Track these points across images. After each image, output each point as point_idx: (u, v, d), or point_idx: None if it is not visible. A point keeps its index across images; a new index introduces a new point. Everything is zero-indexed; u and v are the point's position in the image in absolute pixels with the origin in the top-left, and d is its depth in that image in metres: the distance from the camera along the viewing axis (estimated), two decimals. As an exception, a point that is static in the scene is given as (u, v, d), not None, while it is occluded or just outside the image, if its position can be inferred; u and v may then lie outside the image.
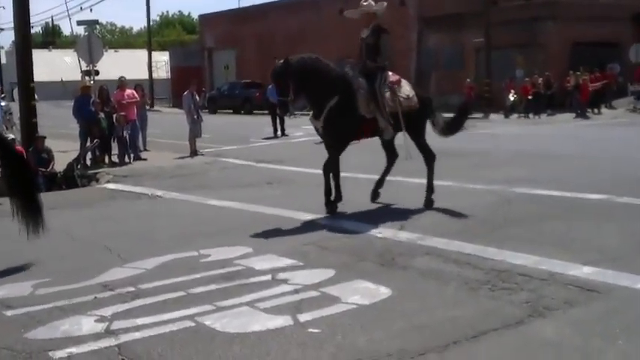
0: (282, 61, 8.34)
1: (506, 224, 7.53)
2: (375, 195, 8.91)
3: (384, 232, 7.30)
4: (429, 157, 8.86)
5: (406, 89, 8.54)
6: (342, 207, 8.49)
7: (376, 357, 4.15)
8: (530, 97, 28.07)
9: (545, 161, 12.92)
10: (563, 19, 31.24)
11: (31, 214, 6.38)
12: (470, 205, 8.50)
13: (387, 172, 9.08)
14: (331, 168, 8.44)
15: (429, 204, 8.56)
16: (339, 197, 8.49)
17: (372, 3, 8.62)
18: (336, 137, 8.41)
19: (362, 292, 5.31)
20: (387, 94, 8.34)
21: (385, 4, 8.75)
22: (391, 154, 9.11)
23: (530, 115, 27.84)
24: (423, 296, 5.23)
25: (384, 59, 8.50)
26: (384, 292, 5.31)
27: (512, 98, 28.78)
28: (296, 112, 7.52)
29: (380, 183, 9.01)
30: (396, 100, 8.36)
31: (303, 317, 4.81)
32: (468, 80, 30.90)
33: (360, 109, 8.27)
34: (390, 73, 8.55)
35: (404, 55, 36.76)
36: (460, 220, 7.77)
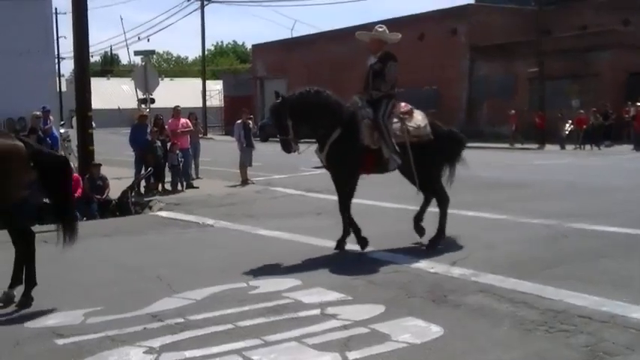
0: (279, 98, 8.15)
1: (563, 261, 7.29)
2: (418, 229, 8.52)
3: (435, 267, 7.16)
4: (441, 199, 8.35)
5: (417, 119, 8.20)
6: (392, 241, 8.38)
7: (427, 400, 4.03)
8: (585, 128, 27.52)
9: (603, 194, 12.53)
10: (618, 49, 30.61)
11: (68, 221, 6.48)
12: (525, 241, 8.29)
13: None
14: (343, 205, 8.21)
15: (431, 245, 8.06)
16: (347, 233, 8.24)
17: (387, 31, 8.44)
18: (341, 170, 8.19)
19: (412, 331, 5.18)
20: (397, 125, 8.08)
21: (400, 36, 8.57)
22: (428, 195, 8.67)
23: (587, 147, 27.26)
24: (475, 336, 5.07)
25: (388, 86, 8.21)
26: (435, 330, 5.18)
27: (568, 129, 28.28)
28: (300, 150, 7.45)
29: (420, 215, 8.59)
30: (404, 129, 8.07)
31: (352, 355, 4.72)
32: (513, 112, 30.70)
33: (365, 139, 8.02)
34: (403, 104, 8.29)
35: (455, 83, 36.66)
36: (515, 257, 7.55)
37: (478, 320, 5.43)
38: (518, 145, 29.55)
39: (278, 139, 8.24)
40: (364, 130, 8.03)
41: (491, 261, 7.34)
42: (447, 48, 36.70)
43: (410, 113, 8.22)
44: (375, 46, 8.42)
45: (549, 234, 8.73)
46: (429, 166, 8.24)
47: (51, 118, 16.41)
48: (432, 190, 8.43)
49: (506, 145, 29.44)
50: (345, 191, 8.26)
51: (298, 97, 8.18)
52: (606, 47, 30.65)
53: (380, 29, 8.41)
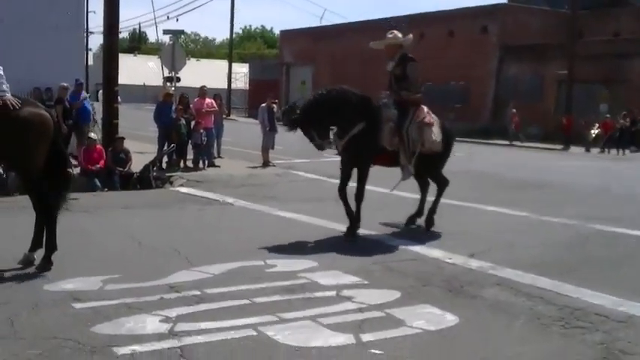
0: (295, 114, 8.27)
1: (584, 262, 7.23)
2: (411, 221, 8.77)
3: (453, 257, 7.13)
4: (441, 184, 8.78)
5: (434, 132, 8.28)
6: (410, 229, 8.37)
7: (439, 386, 4.03)
8: (610, 132, 27.33)
9: (629, 198, 12.40)
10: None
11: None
12: (546, 239, 8.23)
13: (423, 201, 8.87)
14: (361, 195, 8.24)
15: (430, 224, 8.51)
16: (357, 220, 8.25)
17: (399, 35, 8.47)
18: (358, 162, 8.26)
19: (427, 318, 5.18)
20: (414, 134, 8.16)
21: (411, 36, 8.61)
22: (423, 183, 8.93)
23: (613, 151, 26.99)
24: (490, 328, 5.05)
25: (417, 88, 8.34)
26: (450, 319, 5.17)
27: (594, 132, 28.05)
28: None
29: (419, 212, 8.83)
30: (420, 142, 8.18)
31: (366, 337, 4.73)
32: (514, 110, 30.81)
33: (383, 140, 8.09)
34: (425, 110, 8.33)
35: (483, 82, 36.34)
36: (535, 253, 7.50)
37: (494, 312, 5.41)
38: (517, 143, 29.62)
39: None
40: (386, 131, 8.09)
41: (510, 256, 7.30)
42: (477, 46, 36.38)
43: (430, 125, 8.26)
44: (391, 51, 8.52)
45: (571, 234, 8.66)
46: (434, 168, 8.65)
47: (84, 92, 16.44)
48: (435, 180, 8.77)
49: (531, 145, 29.22)
50: (365, 183, 8.28)
51: (313, 104, 8.20)
52: (638, 54, 30.19)
53: (390, 35, 8.49)
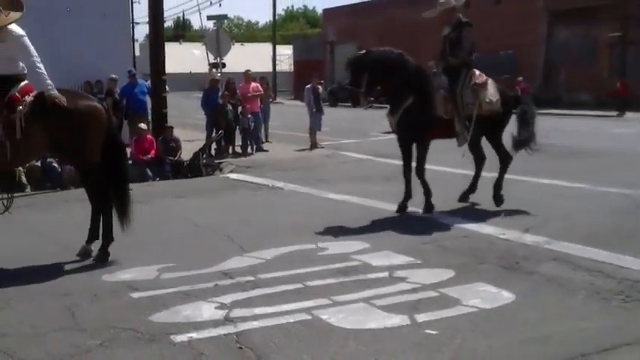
0: (363, 51, 8.23)
1: (643, 232, 7.01)
2: (464, 198, 8.61)
3: (507, 233, 7.01)
4: (505, 157, 8.51)
5: (491, 92, 8.07)
6: (462, 206, 8.27)
7: (497, 366, 3.98)
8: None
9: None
10: None
11: (121, 206, 6.60)
12: (602, 210, 8.01)
13: (477, 176, 8.71)
14: (421, 169, 8.19)
15: (498, 201, 8.26)
16: (409, 196, 8.25)
17: None
18: (411, 137, 8.16)
19: (483, 296, 5.11)
20: (470, 98, 7.99)
21: None
22: (479, 157, 8.72)
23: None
24: (548, 304, 4.95)
25: (466, 53, 8.15)
26: (506, 296, 5.09)
27: None
28: (373, 105, 7.70)
29: (472, 188, 8.66)
30: (477, 103, 7.99)
31: (421, 317, 4.70)
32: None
33: (437, 109, 7.97)
34: (477, 73, 8.15)
35: (532, 48, 35.43)
36: (592, 225, 7.31)
37: (552, 288, 5.30)
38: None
39: (348, 104, 8.24)
40: (438, 100, 7.99)
41: (566, 229, 7.13)
42: (525, 12, 35.46)
43: (484, 85, 8.10)
44: (445, 17, 8.38)
45: (628, 204, 8.40)
46: (494, 134, 8.36)
47: (139, 81, 16.41)
48: (496, 150, 8.52)
49: (585, 112, 28.42)
50: (410, 156, 8.25)
51: (382, 54, 8.19)
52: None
53: (442, 0, 8.30)
